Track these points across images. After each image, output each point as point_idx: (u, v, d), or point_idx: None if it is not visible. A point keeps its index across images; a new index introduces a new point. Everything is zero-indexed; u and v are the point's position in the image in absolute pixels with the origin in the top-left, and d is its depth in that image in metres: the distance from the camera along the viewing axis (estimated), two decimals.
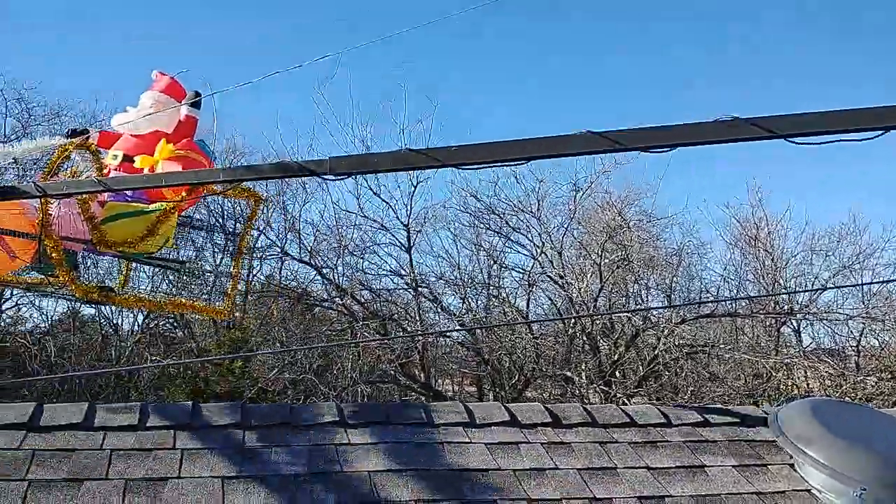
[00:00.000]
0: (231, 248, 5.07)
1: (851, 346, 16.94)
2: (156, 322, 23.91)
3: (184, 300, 4.73)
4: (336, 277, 16.91)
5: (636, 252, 15.23)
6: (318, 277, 17.84)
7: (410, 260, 16.27)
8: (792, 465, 3.32)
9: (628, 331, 14.88)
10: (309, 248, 17.51)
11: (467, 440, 3.22)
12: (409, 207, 16.22)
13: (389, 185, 16.38)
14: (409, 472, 2.93)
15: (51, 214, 3.81)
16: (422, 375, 15.60)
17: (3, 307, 20.45)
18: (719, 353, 14.37)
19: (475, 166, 2.55)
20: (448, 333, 16.41)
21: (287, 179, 22.43)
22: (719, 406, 3.94)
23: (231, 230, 5.23)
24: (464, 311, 16.21)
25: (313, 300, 18.93)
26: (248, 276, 23.43)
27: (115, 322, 23.07)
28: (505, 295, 16.45)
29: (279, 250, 18.86)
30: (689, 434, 3.50)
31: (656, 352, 13.83)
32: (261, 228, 21.47)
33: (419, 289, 15.85)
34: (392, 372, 15.50)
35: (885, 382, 14.04)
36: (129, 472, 2.70)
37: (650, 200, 17.49)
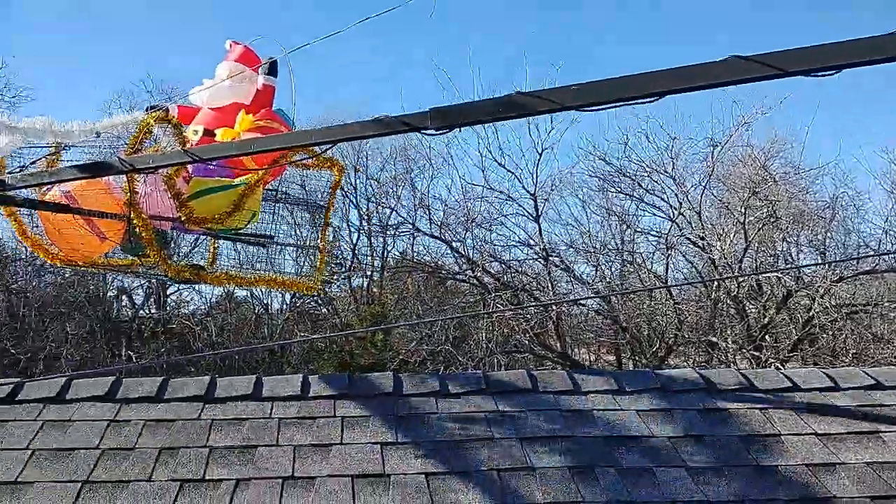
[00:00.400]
0: (318, 221, 4.96)
1: None
2: (301, 301, 25.39)
3: (273, 276, 4.56)
4: (466, 250, 17.13)
5: (784, 207, 14.19)
6: (449, 251, 18.16)
7: (539, 229, 16.17)
8: None
9: (778, 292, 13.96)
10: (439, 223, 17.83)
11: (617, 407, 3.17)
12: (534, 176, 16.09)
13: (514, 155, 16.32)
14: (560, 439, 2.93)
15: (137, 193, 3.68)
16: (558, 345, 15.51)
17: (168, 292, 22.48)
18: (883, 311, 13.15)
19: (599, 107, 2.21)
20: (582, 302, 16.18)
21: (412, 157, 22.91)
22: (892, 368, 3.60)
23: (316, 202, 5.05)
24: (597, 278, 15.90)
25: (446, 273, 19.30)
26: (382, 252, 24.35)
27: (265, 302, 24.72)
28: (640, 260, 15.94)
29: (411, 226, 19.34)
30: (859, 398, 3.24)
31: (811, 313, 12.87)
32: (392, 206, 22.20)
33: (549, 258, 15.70)
34: (527, 342, 15.53)
35: None
36: (297, 438, 2.89)
37: (797, 151, 16.14)
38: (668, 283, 15.05)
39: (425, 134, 2.37)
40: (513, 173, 16.21)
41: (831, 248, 15.55)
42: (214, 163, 4.13)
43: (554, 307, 14.43)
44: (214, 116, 4.34)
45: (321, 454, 2.80)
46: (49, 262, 4.04)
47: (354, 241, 25.64)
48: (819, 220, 15.39)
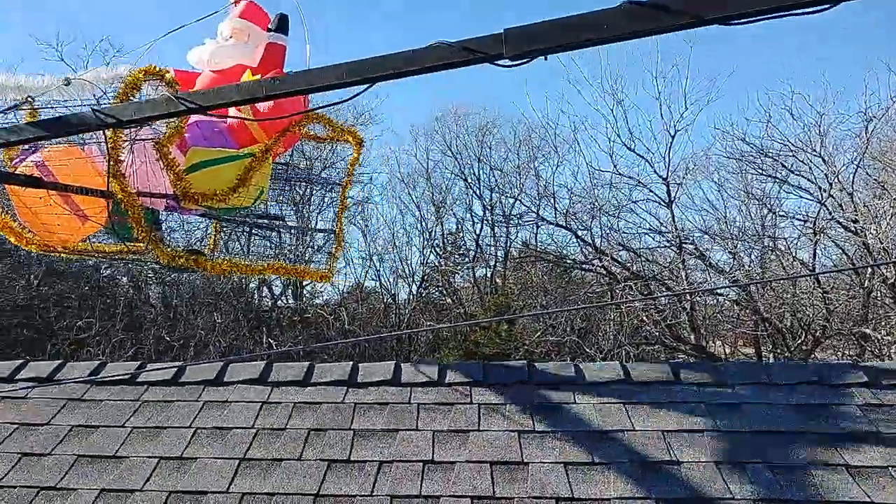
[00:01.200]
0: (333, 202, 4.31)
1: None
2: (427, 290, 25.97)
3: (284, 264, 4.10)
4: (592, 239, 16.77)
5: None
6: (575, 240, 17.87)
7: (672, 215, 15.53)
8: None
9: None
10: (564, 212, 17.57)
11: (765, 401, 2.98)
12: (667, 159, 15.47)
13: (645, 138, 15.76)
14: (708, 431, 2.80)
15: (122, 161, 3.05)
16: (692, 337, 14.86)
17: (304, 284, 23.70)
18: None
19: (749, 19, 1.65)
20: (718, 291, 15.38)
21: (536, 145, 22.72)
22: None
23: (330, 180, 4.37)
24: (735, 266, 15.05)
25: (571, 263, 19.01)
26: (505, 243, 24.37)
27: (393, 292, 25.49)
28: (784, 246, 14.91)
29: (535, 215, 19.20)
30: None
31: None
32: (516, 196, 22.17)
33: (683, 245, 15.05)
34: (657, 333, 14.99)
35: None
36: (436, 423, 2.95)
37: None
38: (815, 271, 13.99)
39: (498, 65, 1.84)
40: (643, 157, 15.69)
41: None
42: (216, 129, 3.57)
43: (688, 297, 13.82)
44: (216, 80, 3.76)
45: (460, 440, 2.84)
46: (24, 248, 3.44)
47: (478, 232, 25.88)
48: None
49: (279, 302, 22.77)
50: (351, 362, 3.42)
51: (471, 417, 2.97)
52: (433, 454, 2.77)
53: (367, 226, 25.69)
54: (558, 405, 3.02)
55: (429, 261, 25.60)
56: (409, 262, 25.16)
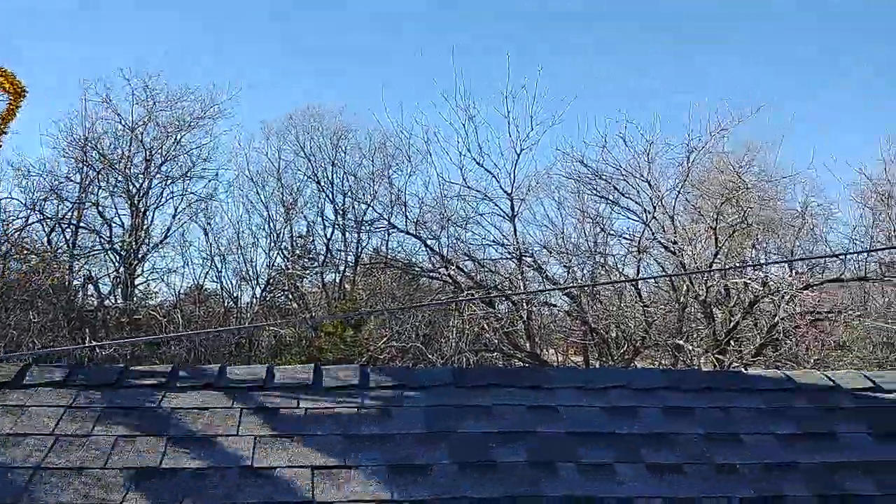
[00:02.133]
0: None
1: None
2: (272, 294, 25.19)
3: None
4: (440, 248, 17.15)
5: (755, 214, 14.42)
6: (424, 248, 18.17)
7: (514, 229, 16.25)
8: None
9: (745, 298, 14.19)
10: (414, 220, 17.81)
11: (583, 404, 3.18)
12: (512, 176, 16.14)
13: (493, 155, 16.35)
14: (524, 433, 2.93)
15: None
16: (527, 345, 15.60)
17: (136, 283, 22.15)
18: (846, 320, 13.44)
19: None
20: (552, 303, 16.28)
21: (391, 153, 22.85)
22: (848, 372, 3.68)
23: None
24: (568, 279, 16.01)
25: (419, 270, 19.30)
26: (356, 248, 24.25)
27: (235, 295, 24.48)
28: (612, 262, 16.09)
29: (386, 222, 19.31)
30: (816, 399, 3.30)
31: (776, 319, 13.12)
32: (368, 202, 22.14)
33: (523, 258, 15.78)
34: (496, 341, 15.59)
35: None
36: (258, 429, 2.85)
37: (771, 159, 16.42)
38: (639, 287, 15.22)
39: None
40: (491, 173, 16.26)
41: (799, 255, 15.81)
42: None
43: (524, 307, 14.50)
44: None
45: (281, 444, 2.77)
46: None
47: (329, 237, 25.54)
48: (789, 228, 15.69)
49: (106, 302, 21.09)
50: (170, 366, 3.23)
51: (296, 422, 2.90)
52: (252, 461, 2.67)
53: (209, 224, 24.51)
54: (388, 407, 3.03)
55: (276, 263, 24.87)
56: (254, 264, 24.29)
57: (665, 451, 2.90)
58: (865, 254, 13.63)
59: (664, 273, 15.64)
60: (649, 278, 14.50)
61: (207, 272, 24.25)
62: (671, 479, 2.76)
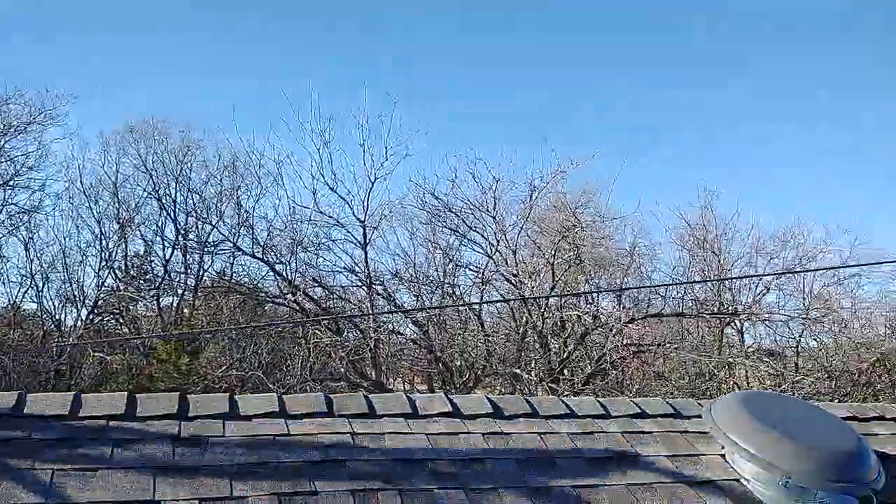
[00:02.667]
0: None
1: (791, 347, 17.53)
2: (101, 317, 23.30)
3: None
4: (289, 274, 16.74)
5: (588, 251, 15.47)
6: (271, 274, 17.66)
7: (366, 257, 16.24)
8: (723, 455, 3.42)
9: (578, 329, 15.11)
10: (262, 244, 17.28)
11: (409, 430, 3.23)
12: (365, 204, 16.17)
13: (347, 182, 16.29)
14: (350, 461, 2.92)
15: None
16: (373, 373, 15.55)
17: None
18: (665, 352, 14.71)
19: None
20: (399, 331, 16.40)
21: (240, 173, 22.07)
22: (658, 398, 4.03)
23: None
24: (417, 308, 16.21)
25: (265, 296, 18.70)
26: (198, 271, 23.07)
27: (57, 318, 22.41)
28: (459, 293, 16.52)
29: (231, 245, 18.57)
30: (625, 425, 3.58)
31: (604, 350, 14.08)
32: (214, 223, 21.16)
33: (373, 286, 15.80)
34: (343, 370, 15.41)
35: (821, 382, 14.56)
36: (59, 462, 2.62)
37: (604, 201, 17.74)
38: (482, 317, 15.73)
39: None
40: (344, 199, 16.17)
41: (627, 292, 17.14)
42: None
43: (371, 335, 14.47)
44: None
45: (84, 479, 2.56)
46: None
47: (167, 257, 24.10)
48: (619, 265, 16.97)
49: None
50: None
51: (103, 454, 2.70)
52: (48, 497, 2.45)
53: (31, 238, 22.33)
54: (207, 438, 2.90)
55: (106, 284, 23.06)
56: (81, 283, 22.38)
57: (484, 476, 3.00)
58: (683, 293, 15.08)
59: (508, 309, 16.29)
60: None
61: (26, 291, 22.02)
62: (490, 502, 2.86)
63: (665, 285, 16.45)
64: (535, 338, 14.86)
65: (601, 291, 15.33)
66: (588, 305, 15.67)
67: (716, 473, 3.30)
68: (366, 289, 16.07)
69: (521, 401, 3.63)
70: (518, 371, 14.20)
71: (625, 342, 14.36)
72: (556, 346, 15.07)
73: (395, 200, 17.43)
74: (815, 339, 17.61)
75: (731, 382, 14.55)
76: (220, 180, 23.11)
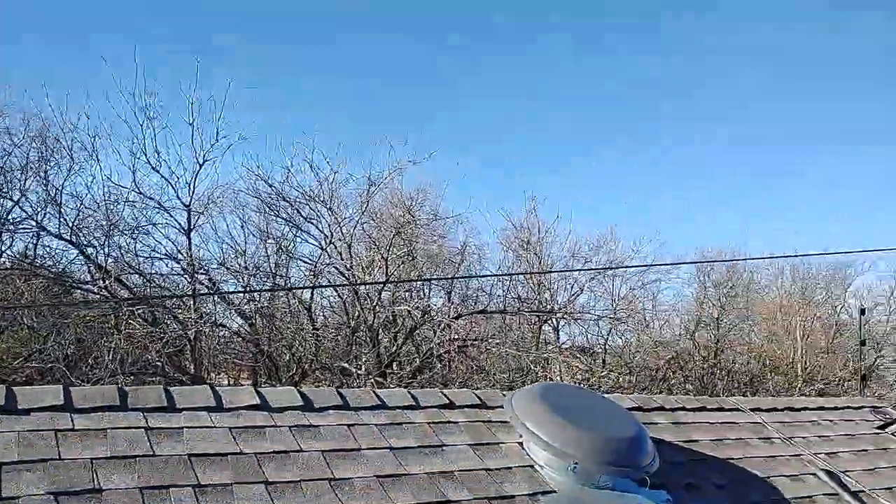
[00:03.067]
0: None
1: (600, 345, 19.10)
2: None
3: None
4: (101, 258, 15.42)
5: (421, 248, 15.78)
6: (81, 258, 16.19)
7: (189, 243, 15.36)
8: (521, 443, 3.65)
9: (408, 324, 15.37)
10: (71, 225, 15.77)
11: (211, 424, 3.11)
12: (192, 187, 15.28)
13: (171, 161, 15.22)
14: (139, 458, 2.77)
15: None
16: (192, 367, 14.79)
17: None
18: (488, 347, 15.38)
19: None
20: (222, 323, 15.72)
21: (52, 148, 20.02)
22: (466, 390, 4.21)
23: None
24: (245, 300, 15.63)
25: (73, 282, 17.10)
26: None
27: None
28: (291, 285, 16.15)
29: (35, 224, 16.79)
30: (433, 416, 3.70)
31: (431, 345, 14.45)
32: (16, 199, 18.96)
33: (196, 275, 15.00)
34: (160, 363, 14.48)
35: (624, 377, 15.98)
36: None
37: (438, 200, 18.18)
38: (312, 310, 15.51)
39: None
40: (167, 180, 15.15)
41: (456, 289, 17.77)
42: None
43: (191, 327, 13.75)
44: None
45: None
46: None
47: None
48: (450, 263, 17.49)
49: None
50: None
51: None
52: None
53: None
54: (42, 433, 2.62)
55: None
56: None
57: (288, 468, 2.97)
58: (506, 292, 15.90)
59: (341, 303, 16.18)
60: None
61: None
62: (291, 496, 2.83)
63: (486, 276, 17.24)
64: (367, 332, 14.91)
65: (429, 280, 15.72)
66: (419, 301, 15.99)
67: (513, 461, 3.51)
68: (188, 277, 15.21)
69: (333, 393, 3.63)
70: (346, 365, 14.16)
71: (452, 337, 14.83)
72: (387, 340, 15.22)
73: (225, 185, 16.62)
74: (620, 338, 19.37)
75: (547, 377, 15.52)
76: (27, 151, 20.77)
